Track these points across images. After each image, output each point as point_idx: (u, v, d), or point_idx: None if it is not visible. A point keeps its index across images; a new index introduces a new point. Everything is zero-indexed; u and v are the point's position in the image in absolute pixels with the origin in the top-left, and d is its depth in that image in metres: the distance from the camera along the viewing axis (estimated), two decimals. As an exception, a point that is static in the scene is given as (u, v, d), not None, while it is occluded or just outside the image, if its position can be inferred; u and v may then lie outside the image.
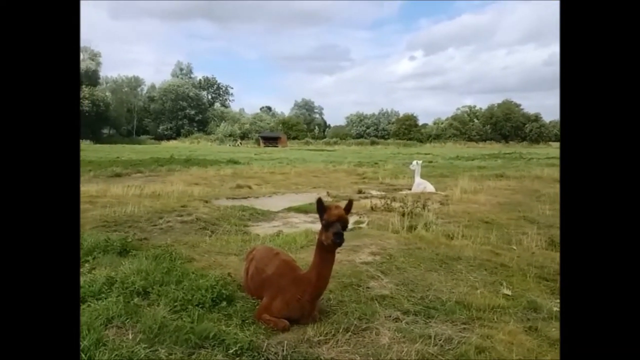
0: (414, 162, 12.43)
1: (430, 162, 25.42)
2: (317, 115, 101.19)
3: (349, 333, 3.05)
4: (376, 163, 24.44)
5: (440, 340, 2.97)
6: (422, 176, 12.46)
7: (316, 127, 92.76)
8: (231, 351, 2.70)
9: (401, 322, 3.29)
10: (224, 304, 3.39)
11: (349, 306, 3.53)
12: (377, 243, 5.53)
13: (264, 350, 2.77)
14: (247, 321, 3.18)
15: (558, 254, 5.31)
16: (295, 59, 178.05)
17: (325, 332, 3.03)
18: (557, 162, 24.24)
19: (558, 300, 3.87)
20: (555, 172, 17.01)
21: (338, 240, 2.93)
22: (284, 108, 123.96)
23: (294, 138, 76.45)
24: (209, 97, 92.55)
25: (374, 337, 3.03)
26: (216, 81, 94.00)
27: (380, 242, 5.60)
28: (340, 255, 4.95)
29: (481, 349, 2.87)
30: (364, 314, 3.36)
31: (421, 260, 4.88)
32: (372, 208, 8.12)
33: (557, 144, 71.37)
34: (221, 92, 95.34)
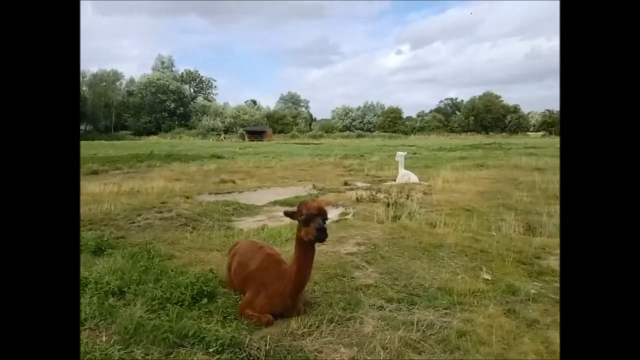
0: (399, 154, 12.48)
1: (415, 153, 25.58)
2: (303, 109, 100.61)
3: (333, 324, 3.03)
4: (362, 155, 24.49)
5: (422, 326, 2.99)
6: (407, 167, 12.52)
7: (302, 121, 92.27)
8: (212, 349, 2.64)
9: (385, 310, 3.29)
10: (205, 301, 3.32)
11: (333, 297, 3.52)
12: (362, 233, 5.53)
13: (246, 345, 2.71)
14: (229, 317, 3.13)
15: (535, 239, 5.42)
16: (286, 53, 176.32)
17: (309, 324, 3.01)
18: (535, 151, 24.76)
19: (535, 283, 3.95)
20: (533, 161, 17.39)
21: (321, 235, 2.83)
22: (269, 101, 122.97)
23: (279, 132, 76.00)
24: (191, 90, 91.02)
25: (358, 326, 3.03)
26: (199, 75, 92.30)
27: (365, 232, 5.60)
28: (325, 246, 4.93)
29: (462, 332, 2.91)
30: (348, 304, 3.36)
31: (405, 249, 4.90)
32: (357, 199, 8.13)
33: (535, 134, 73.02)
34: (204, 86, 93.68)
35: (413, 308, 3.33)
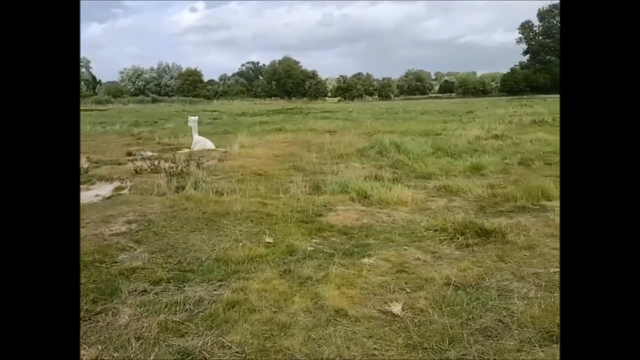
0: (190, 119, 11.69)
1: (215, 119, 24.89)
2: (83, 69, 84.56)
3: (77, 323, 2.48)
4: (156, 122, 22.33)
5: (189, 305, 2.76)
6: (206, 134, 11.89)
7: (83, 83, 77.81)
8: None
9: (149, 294, 2.93)
10: None
11: (83, 289, 2.92)
12: (136, 209, 4.88)
13: None
14: None
15: (319, 197, 5.82)
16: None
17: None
18: (330, 115, 27.34)
19: (314, 240, 4.15)
20: (327, 124, 19.09)
21: None
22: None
23: (51, 95, 62.37)
24: None
25: (110, 319, 2.60)
26: None
27: (140, 207, 4.97)
28: (84, 229, 4.12)
29: (232, 303, 2.79)
30: (101, 295, 2.85)
31: (185, 221, 4.54)
32: (136, 171, 7.21)
33: (332, 99, 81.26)
34: None
35: (184, 286, 3.06)
